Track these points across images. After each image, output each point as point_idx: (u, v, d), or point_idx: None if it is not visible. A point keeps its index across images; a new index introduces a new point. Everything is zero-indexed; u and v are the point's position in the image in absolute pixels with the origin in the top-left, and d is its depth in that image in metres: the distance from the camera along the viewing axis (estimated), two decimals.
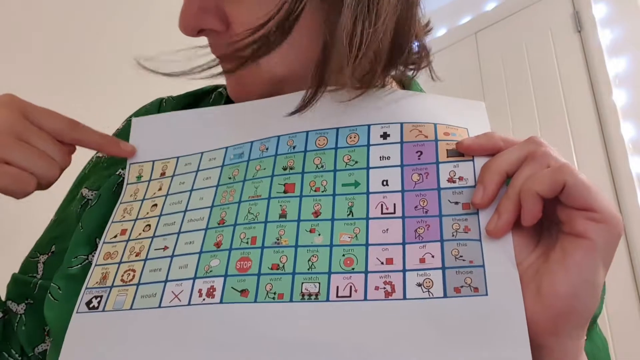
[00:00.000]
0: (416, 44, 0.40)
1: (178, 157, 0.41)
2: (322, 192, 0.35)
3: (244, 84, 0.41)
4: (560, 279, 0.28)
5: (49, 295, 0.40)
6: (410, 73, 0.43)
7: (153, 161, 0.42)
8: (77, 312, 0.35)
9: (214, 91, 0.51)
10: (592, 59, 1.86)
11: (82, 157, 0.51)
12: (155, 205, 0.39)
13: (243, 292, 0.32)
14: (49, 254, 0.45)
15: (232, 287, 0.33)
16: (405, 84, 0.49)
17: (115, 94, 1.37)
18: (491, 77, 2.20)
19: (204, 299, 0.33)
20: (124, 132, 0.48)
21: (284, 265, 0.33)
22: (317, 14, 0.35)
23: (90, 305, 0.35)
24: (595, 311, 0.42)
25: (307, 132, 0.38)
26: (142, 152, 0.43)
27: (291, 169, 0.37)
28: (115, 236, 0.39)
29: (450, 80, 2.51)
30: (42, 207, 0.55)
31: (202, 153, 0.41)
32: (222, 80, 0.44)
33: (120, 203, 0.40)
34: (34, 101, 0.39)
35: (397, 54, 0.38)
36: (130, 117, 0.51)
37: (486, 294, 0.29)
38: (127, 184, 0.41)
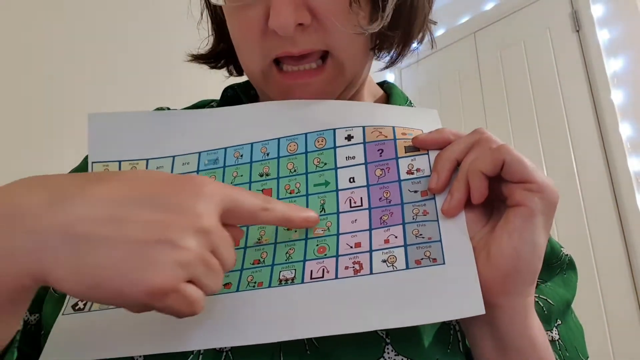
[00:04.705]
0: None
1: (147, 160, 0.41)
2: (297, 193, 0.38)
3: (315, 90, 0.41)
4: (504, 242, 0.32)
5: (51, 289, 0.41)
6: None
7: (119, 161, 0.41)
8: (62, 314, 0.36)
9: (208, 105, 0.52)
10: (590, 58, 1.86)
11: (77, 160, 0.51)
12: None
13: (226, 285, 0.35)
14: None
15: None
16: (386, 89, 0.52)
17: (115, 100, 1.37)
18: (490, 76, 2.21)
19: None
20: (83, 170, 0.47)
21: (264, 260, 0.36)
22: None
23: (76, 307, 0.36)
24: (568, 297, 0.44)
25: (279, 139, 0.41)
26: (103, 150, 0.41)
27: (267, 175, 0.40)
28: None
29: (449, 79, 2.52)
30: None
31: (173, 157, 0.41)
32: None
33: None
34: None
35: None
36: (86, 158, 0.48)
37: (443, 263, 0.33)
38: None
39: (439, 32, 2.47)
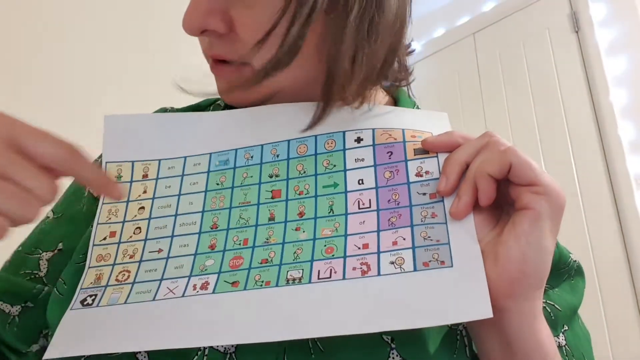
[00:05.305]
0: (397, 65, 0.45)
1: (160, 160, 0.42)
2: (306, 194, 0.39)
3: (240, 88, 0.42)
4: (511, 245, 0.32)
5: (55, 290, 0.41)
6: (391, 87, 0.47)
7: (132, 162, 0.42)
8: (70, 309, 0.36)
9: (213, 103, 0.52)
10: (590, 59, 1.86)
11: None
12: (143, 208, 0.40)
13: (234, 283, 0.35)
14: (55, 251, 0.45)
15: (224, 281, 0.36)
16: (393, 92, 0.51)
17: (117, 102, 1.37)
18: (489, 77, 2.21)
19: (197, 291, 0.35)
20: None
21: (272, 259, 0.36)
22: (320, 35, 0.38)
23: (85, 303, 0.36)
24: (575, 303, 0.44)
25: (289, 140, 0.41)
26: (117, 151, 0.42)
27: (277, 176, 0.40)
28: (104, 238, 0.40)
29: (448, 80, 2.53)
30: None
31: (185, 157, 0.42)
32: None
33: (103, 204, 0.41)
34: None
35: (383, 72, 0.42)
36: (99, 157, 0.49)
37: (452, 266, 0.33)
38: None
39: (438, 32, 2.47)
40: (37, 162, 0.31)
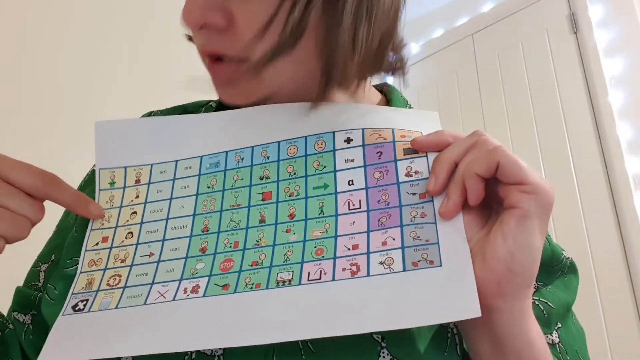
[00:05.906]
0: (393, 55, 0.44)
1: (152, 165, 0.42)
2: (296, 196, 0.39)
3: (239, 87, 0.42)
4: (499, 244, 0.32)
5: (46, 295, 0.42)
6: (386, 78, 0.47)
7: (125, 167, 0.42)
8: (62, 315, 0.36)
9: (206, 105, 0.52)
10: (588, 60, 1.87)
11: (78, 173, 0.52)
12: (135, 212, 0.41)
13: (224, 286, 0.35)
14: (49, 262, 0.47)
15: (214, 284, 0.36)
16: (386, 92, 0.51)
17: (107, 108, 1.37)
18: (488, 78, 2.21)
19: (188, 295, 0.35)
20: (89, 182, 0.49)
21: (262, 262, 0.36)
22: (318, 22, 0.38)
23: (76, 308, 0.37)
24: (569, 300, 0.44)
25: (279, 142, 0.41)
26: (110, 157, 0.43)
27: (267, 178, 0.40)
28: (97, 243, 0.40)
29: (447, 81, 2.53)
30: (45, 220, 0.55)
31: (176, 161, 0.42)
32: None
33: None
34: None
35: (379, 57, 0.42)
36: (94, 167, 0.50)
37: (440, 265, 0.33)
38: (100, 189, 0.42)
39: (437, 33, 2.47)
40: (19, 189, 0.36)
